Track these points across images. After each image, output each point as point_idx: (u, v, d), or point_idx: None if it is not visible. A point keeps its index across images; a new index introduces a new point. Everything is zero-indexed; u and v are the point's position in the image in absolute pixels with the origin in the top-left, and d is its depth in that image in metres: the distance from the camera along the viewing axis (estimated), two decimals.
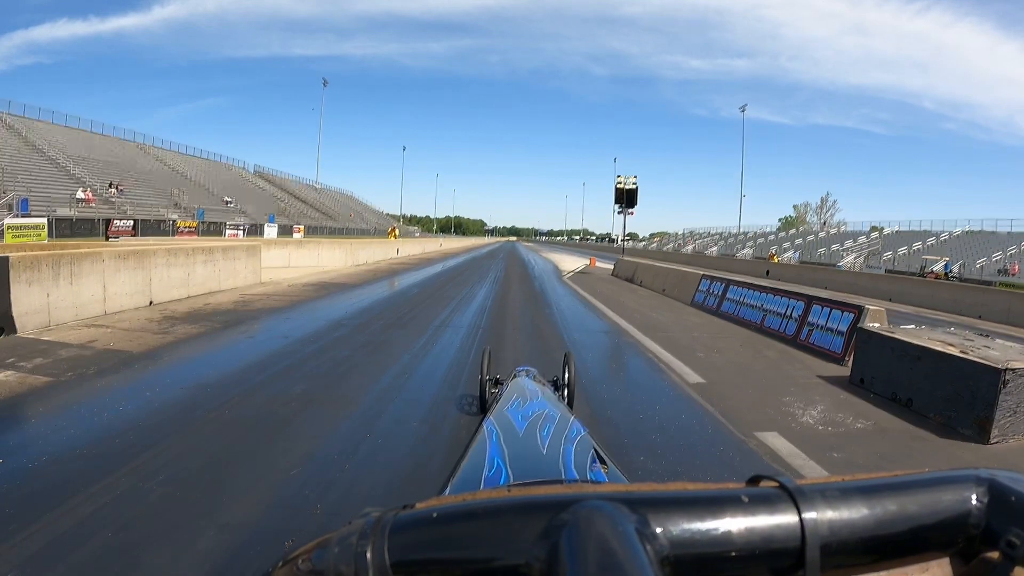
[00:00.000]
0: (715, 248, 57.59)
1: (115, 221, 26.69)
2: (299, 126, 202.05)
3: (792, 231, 58.82)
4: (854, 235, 47.13)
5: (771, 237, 55.73)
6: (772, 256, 37.57)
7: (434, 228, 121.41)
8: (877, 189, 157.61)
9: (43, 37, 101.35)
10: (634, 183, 22.67)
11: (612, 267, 20.77)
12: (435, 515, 0.38)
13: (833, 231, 52.44)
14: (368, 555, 0.35)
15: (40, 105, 42.86)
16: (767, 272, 25.10)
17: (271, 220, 40.82)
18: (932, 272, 29.42)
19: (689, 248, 60.38)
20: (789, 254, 43.75)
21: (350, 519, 0.39)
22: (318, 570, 0.36)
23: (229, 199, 42.79)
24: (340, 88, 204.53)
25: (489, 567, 0.36)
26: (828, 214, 70.00)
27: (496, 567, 0.36)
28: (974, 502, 0.40)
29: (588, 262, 26.75)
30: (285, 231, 41.23)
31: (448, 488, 0.92)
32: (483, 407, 2.46)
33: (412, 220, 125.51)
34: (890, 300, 15.23)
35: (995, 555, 0.38)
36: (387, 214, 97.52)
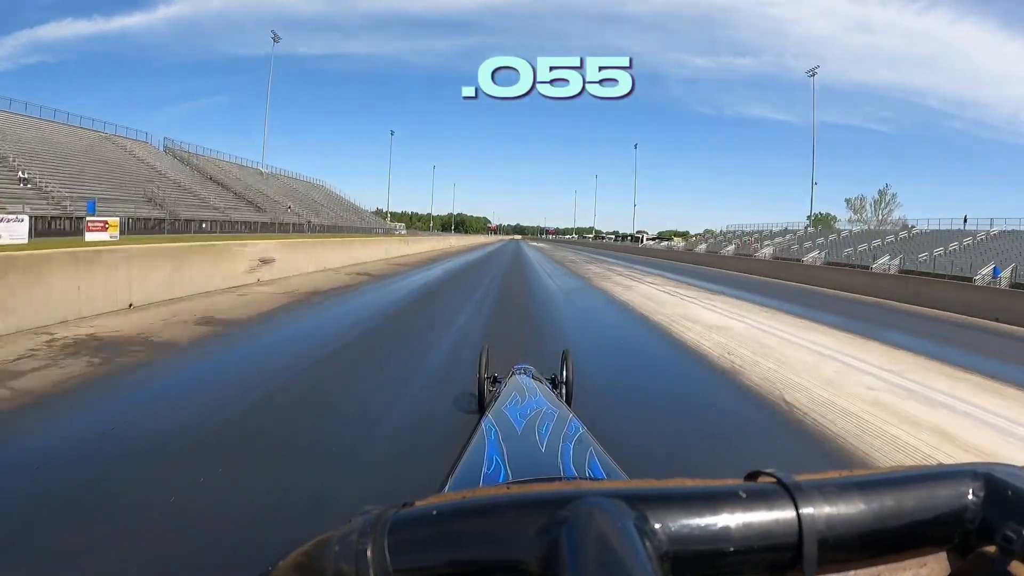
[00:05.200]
0: (769, 249, 44.79)
1: None
2: (303, 124, 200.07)
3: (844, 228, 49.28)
4: (881, 234, 42.69)
5: (799, 233, 48.06)
6: None
7: (430, 225, 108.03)
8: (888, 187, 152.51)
9: (48, 36, 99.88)
10: None
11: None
12: (435, 513, 0.38)
13: (905, 232, 41.98)
14: (369, 553, 0.35)
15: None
16: None
17: (90, 208, 24.09)
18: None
19: (767, 251, 44.46)
20: (814, 254, 39.68)
21: (350, 517, 0.38)
22: (319, 568, 0.36)
23: (25, 174, 26.73)
24: (342, 87, 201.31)
25: (489, 564, 0.36)
26: (887, 209, 58.17)
27: (496, 564, 0.36)
28: (971, 497, 0.40)
29: (677, 289, 10.14)
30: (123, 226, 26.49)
31: (447, 486, 0.92)
32: (481, 405, 2.23)
33: (414, 218, 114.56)
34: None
35: (992, 549, 0.38)
36: (374, 212, 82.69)
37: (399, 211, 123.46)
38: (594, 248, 60.20)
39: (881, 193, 60.21)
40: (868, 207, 60.34)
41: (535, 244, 66.45)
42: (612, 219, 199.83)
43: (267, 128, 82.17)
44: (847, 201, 62.94)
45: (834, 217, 64.60)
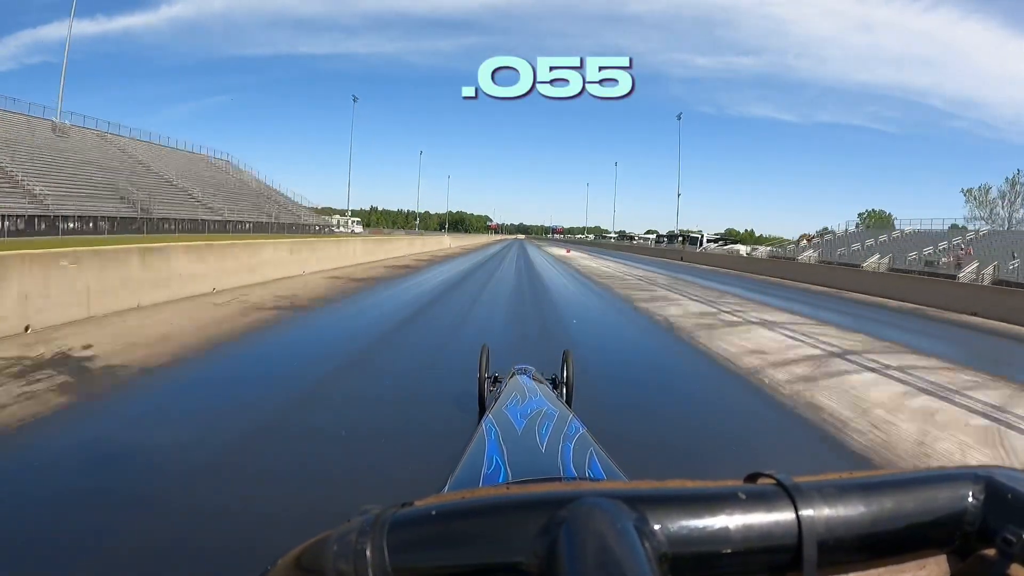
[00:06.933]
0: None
1: None
2: (310, 124, 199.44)
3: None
4: (934, 235, 35.80)
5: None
6: None
7: (417, 224, 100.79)
8: (894, 187, 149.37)
9: (51, 36, 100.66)
10: None
11: None
12: (434, 512, 0.38)
13: None
14: (368, 553, 0.35)
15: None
16: None
17: None
18: None
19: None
20: (875, 259, 32.34)
21: (349, 516, 0.38)
22: (318, 567, 0.36)
23: None
24: (344, 86, 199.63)
25: (488, 564, 0.36)
26: (1019, 202, 46.03)
27: (495, 564, 0.36)
28: (970, 499, 0.40)
29: None
30: None
31: (447, 486, 0.93)
32: (482, 406, 2.25)
33: (411, 216, 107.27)
34: None
35: (992, 552, 0.38)
36: (321, 207, 61.12)
37: (395, 209, 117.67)
38: (602, 246, 40.19)
39: (1012, 182, 45.82)
40: (999, 201, 46.36)
41: (553, 251, 41.19)
42: (625, 218, 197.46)
43: (67, 56, 43.08)
44: (966, 193, 48.37)
45: (889, 215, 54.80)
